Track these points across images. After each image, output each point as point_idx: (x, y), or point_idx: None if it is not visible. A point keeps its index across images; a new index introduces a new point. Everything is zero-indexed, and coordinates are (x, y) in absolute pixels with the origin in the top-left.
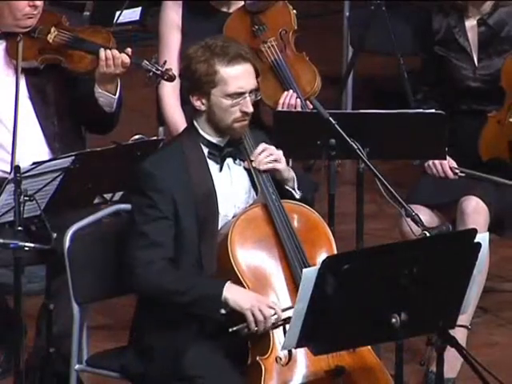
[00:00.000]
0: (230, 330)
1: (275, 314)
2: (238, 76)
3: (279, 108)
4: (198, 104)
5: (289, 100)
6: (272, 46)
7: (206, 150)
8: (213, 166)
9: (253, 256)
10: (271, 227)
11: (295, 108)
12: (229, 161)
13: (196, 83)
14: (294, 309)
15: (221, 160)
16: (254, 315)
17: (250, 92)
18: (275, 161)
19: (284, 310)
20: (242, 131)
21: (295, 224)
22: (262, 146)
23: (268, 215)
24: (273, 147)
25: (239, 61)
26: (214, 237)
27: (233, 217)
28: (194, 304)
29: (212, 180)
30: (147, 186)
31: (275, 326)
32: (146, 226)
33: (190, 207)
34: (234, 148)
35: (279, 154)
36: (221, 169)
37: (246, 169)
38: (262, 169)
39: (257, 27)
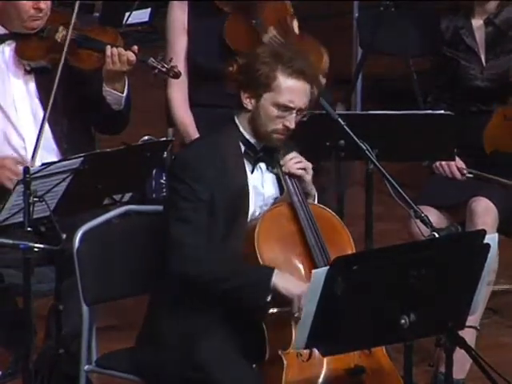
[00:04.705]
0: (271, 311)
1: None
2: (293, 90)
3: None
4: (247, 102)
5: None
6: (274, 35)
7: (243, 148)
8: (247, 166)
9: (278, 252)
10: (296, 225)
11: None
12: (262, 165)
13: (253, 81)
14: (303, 309)
15: (254, 161)
16: (299, 302)
17: (298, 110)
18: (304, 169)
19: None
20: (277, 143)
21: (318, 224)
22: (294, 153)
23: (293, 214)
24: (303, 158)
25: (300, 77)
26: (241, 236)
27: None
28: (239, 290)
29: (247, 178)
30: (186, 174)
31: None
32: (187, 211)
33: (223, 201)
34: (268, 155)
35: (308, 165)
36: (252, 170)
37: (275, 174)
38: (289, 171)
39: (255, 21)
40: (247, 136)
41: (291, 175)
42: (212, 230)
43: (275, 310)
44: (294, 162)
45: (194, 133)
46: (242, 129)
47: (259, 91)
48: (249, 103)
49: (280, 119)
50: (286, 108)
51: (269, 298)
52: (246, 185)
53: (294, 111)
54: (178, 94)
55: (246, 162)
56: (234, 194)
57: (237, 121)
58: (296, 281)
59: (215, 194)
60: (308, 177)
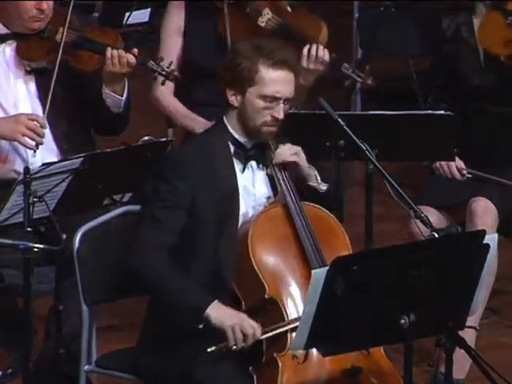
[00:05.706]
0: (209, 349)
1: (254, 334)
2: (277, 80)
3: (304, 61)
4: (232, 99)
5: (315, 52)
6: (269, 18)
7: (232, 148)
8: (237, 166)
9: (272, 254)
10: (290, 227)
11: (323, 60)
12: (253, 163)
13: (236, 77)
14: (303, 309)
15: (245, 160)
16: (234, 332)
17: (285, 100)
18: (295, 154)
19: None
20: (268, 137)
21: (313, 225)
22: (282, 146)
23: (287, 215)
24: (292, 145)
25: (283, 67)
26: (234, 238)
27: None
28: (175, 307)
29: (236, 178)
30: (172, 173)
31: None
32: (161, 210)
33: (212, 202)
34: (259, 152)
35: (298, 148)
36: (243, 169)
37: (268, 175)
38: (280, 160)
39: (248, 9)
40: (236, 136)
41: (285, 165)
42: (199, 230)
43: (213, 348)
44: (284, 150)
45: (194, 121)
46: (230, 128)
47: (243, 86)
48: (235, 100)
49: (267, 110)
50: (272, 99)
51: (201, 326)
52: (236, 186)
53: (281, 101)
54: (166, 93)
55: (235, 161)
56: (223, 194)
57: (225, 120)
58: (232, 312)
59: (202, 195)
60: (301, 160)
